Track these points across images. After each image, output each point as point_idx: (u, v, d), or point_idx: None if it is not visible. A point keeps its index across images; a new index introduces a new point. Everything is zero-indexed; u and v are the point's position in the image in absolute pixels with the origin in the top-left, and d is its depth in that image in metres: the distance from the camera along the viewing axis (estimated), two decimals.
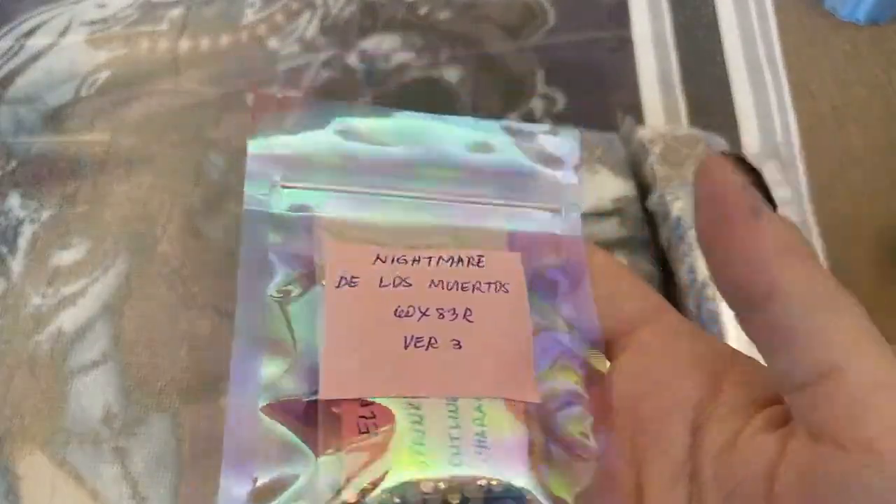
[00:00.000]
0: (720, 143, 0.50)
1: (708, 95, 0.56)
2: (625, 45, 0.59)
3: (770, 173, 0.40)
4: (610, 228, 0.45)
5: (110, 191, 0.58)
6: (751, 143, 0.53)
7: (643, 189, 0.48)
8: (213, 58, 0.65)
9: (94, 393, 0.50)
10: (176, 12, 0.68)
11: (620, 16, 0.61)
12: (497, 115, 0.56)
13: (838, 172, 0.52)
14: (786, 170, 0.52)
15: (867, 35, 0.59)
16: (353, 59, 0.62)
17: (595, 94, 0.57)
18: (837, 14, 0.60)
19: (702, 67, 0.57)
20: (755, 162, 0.45)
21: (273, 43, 0.65)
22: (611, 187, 0.47)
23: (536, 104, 0.57)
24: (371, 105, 0.58)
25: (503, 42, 0.62)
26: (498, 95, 0.58)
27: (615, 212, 0.46)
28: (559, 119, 0.57)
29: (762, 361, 0.21)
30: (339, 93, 0.60)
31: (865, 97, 0.56)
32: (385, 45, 0.62)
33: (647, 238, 0.45)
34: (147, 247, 0.54)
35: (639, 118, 0.55)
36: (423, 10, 0.65)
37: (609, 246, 0.45)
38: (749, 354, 0.23)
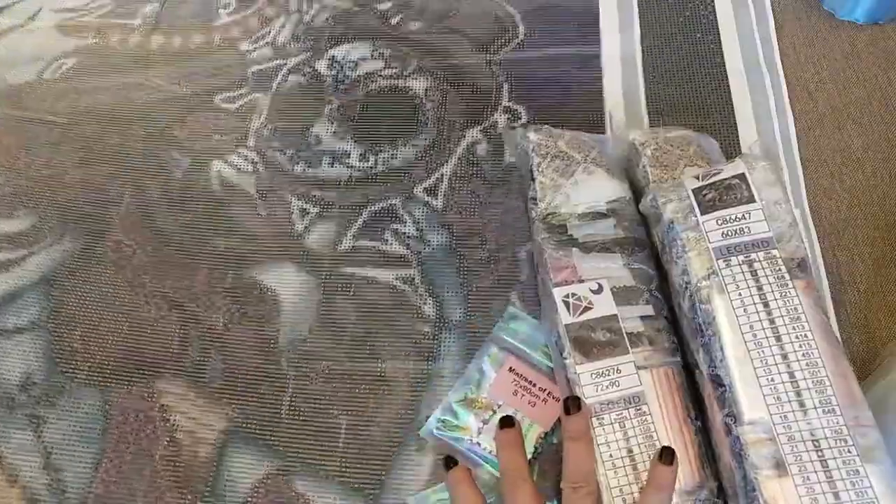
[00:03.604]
0: (712, 143, 0.49)
1: (706, 96, 0.56)
2: (592, 61, 0.59)
3: (767, 173, 0.39)
4: (605, 229, 0.44)
5: (64, 172, 0.57)
6: (749, 143, 0.52)
7: (636, 191, 0.48)
8: (184, 56, 0.64)
9: (13, 358, 0.48)
10: (150, 8, 0.67)
11: (590, 33, 0.61)
12: (460, 126, 0.56)
13: (837, 173, 0.52)
14: (784, 170, 0.51)
15: (866, 35, 0.58)
16: (322, 66, 0.62)
17: (559, 109, 0.56)
18: (836, 14, 0.59)
19: (700, 68, 0.57)
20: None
21: (245, 45, 0.64)
22: (606, 188, 0.47)
23: (500, 117, 0.57)
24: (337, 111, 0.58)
25: (472, 55, 0.62)
26: (463, 107, 0.58)
27: (610, 212, 0.45)
28: None
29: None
30: (306, 97, 0.59)
31: (864, 97, 0.55)
32: (355, 54, 0.62)
33: (644, 238, 0.44)
34: (99, 231, 0.53)
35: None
36: (394, 20, 0.65)
37: (606, 247, 0.44)
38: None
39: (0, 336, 0.49)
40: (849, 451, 0.34)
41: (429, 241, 0.51)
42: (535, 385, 0.44)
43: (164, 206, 0.54)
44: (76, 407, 0.46)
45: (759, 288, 0.37)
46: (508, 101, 0.57)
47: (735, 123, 0.54)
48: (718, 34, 0.59)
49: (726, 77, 0.56)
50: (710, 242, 0.39)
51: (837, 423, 0.34)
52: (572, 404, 0.37)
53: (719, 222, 0.39)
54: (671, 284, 0.42)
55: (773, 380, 0.36)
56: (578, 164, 0.48)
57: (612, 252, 0.44)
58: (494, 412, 0.43)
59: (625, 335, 0.40)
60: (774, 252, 0.38)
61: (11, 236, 0.53)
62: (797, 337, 0.36)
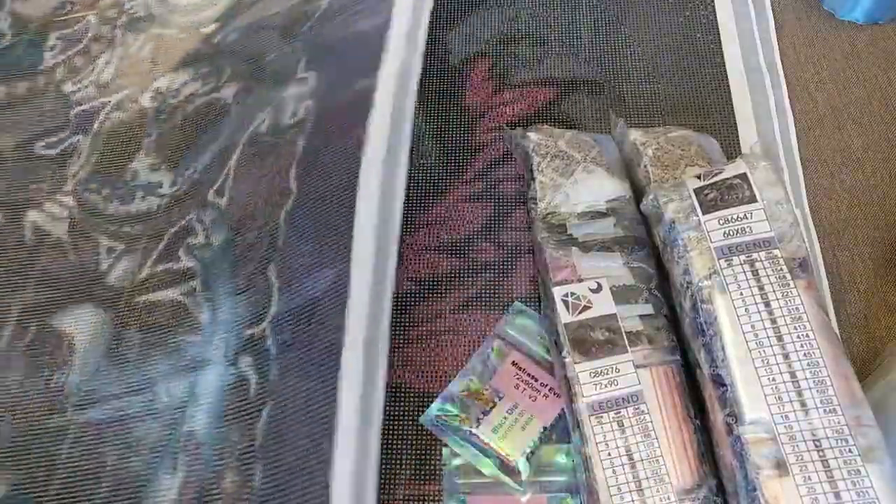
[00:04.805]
0: (713, 143, 0.49)
1: (706, 96, 0.56)
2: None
3: (768, 173, 0.39)
4: (605, 228, 0.44)
5: None
6: (749, 143, 0.52)
7: (637, 190, 0.47)
8: (9, 106, 0.61)
9: None
10: None
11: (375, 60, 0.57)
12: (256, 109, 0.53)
13: (837, 172, 0.52)
14: (784, 170, 0.51)
15: (866, 35, 0.58)
16: (146, 99, 0.59)
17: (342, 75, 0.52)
18: (836, 14, 0.59)
19: (700, 68, 0.57)
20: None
21: (68, 87, 0.61)
22: (606, 188, 0.47)
23: (292, 90, 0.53)
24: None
25: (278, 44, 0.59)
26: (263, 94, 0.55)
27: (610, 211, 0.45)
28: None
29: None
30: (127, 134, 0.57)
31: (864, 97, 0.55)
32: (178, 81, 0.59)
33: (643, 237, 0.44)
34: None
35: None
36: (216, 39, 0.62)
37: (606, 246, 0.44)
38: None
39: None
40: (850, 451, 0.34)
41: (212, 244, 0.49)
42: (536, 380, 0.44)
43: None
44: None
45: (761, 288, 0.37)
46: (304, 71, 0.55)
47: (735, 123, 0.54)
48: (718, 34, 0.59)
49: (726, 77, 0.56)
50: (711, 242, 0.39)
51: (839, 422, 0.34)
52: None
53: (721, 222, 0.39)
54: (672, 284, 0.42)
55: (774, 379, 0.35)
56: (578, 164, 0.48)
57: (612, 251, 0.44)
58: (494, 405, 0.43)
59: (623, 334, 0.40)
60: (776, 252, 0.38)
61: None
62: (798, 337, 0.36)
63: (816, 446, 0.34)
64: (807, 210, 0.50)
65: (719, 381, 0.37)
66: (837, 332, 0.44)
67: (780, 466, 0.34)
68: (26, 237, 0.53)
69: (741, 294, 0.38)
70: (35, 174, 0.57)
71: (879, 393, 0.39)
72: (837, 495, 0.33)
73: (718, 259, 0.39)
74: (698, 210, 0.40)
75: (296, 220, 0.46)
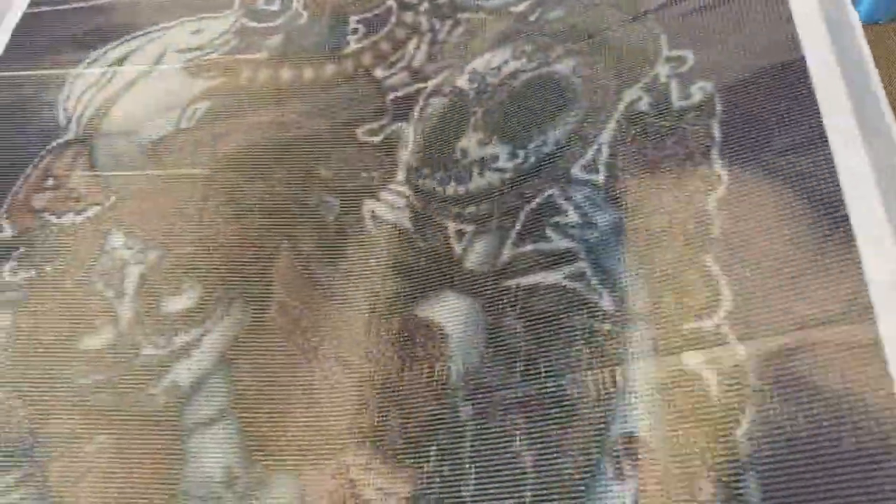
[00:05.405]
0: None
1: None
2: None
3: None
4: None
5: (217, 230, 0.52)
6: None
7: None
8: (317, 89, 0.60)
9: (213, 452, 0.45)
10: (274, 40, 0.64)
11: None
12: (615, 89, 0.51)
13: None
14: None
15: (866, 35, 0.61)
16: (463, 81, 0.60)
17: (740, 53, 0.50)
18: None
19: None
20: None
21: (379, 72, 0.61)
22: None
23: (663, 69, 0.51)
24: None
25: (619, 21, 0.56)
26: (615, 71, 0.52)
27: None
28: None
29: None
30: (450, 117, 0.56)
31: None
32: (495, 61, 0.59)
33: None
34: (262, 294, 0.50)
35: None
36: (533, 17, 0.61)
37: None
38: None
39: (196, 431, 0.46)
40: None
41: (595, 223, 0.46)
42: None
43: (320, 255, 0.51)
44: (275, 499, 0.43)
45: None
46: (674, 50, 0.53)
47: None
48: None
49: None
50: None
51: None
52: None
53: None
54: None
55: None
56: None
57: None
58: None
59: None
60: None
61: (184, 315, 0.50)
62: None
63: None
64: None
65: None
66: None
67: None
68: (368, 227, 0.51)
69: None
70: (363, 161, 0.55)
71: None
72: None
73: None
74: None
75: (736, 208, 0.42)
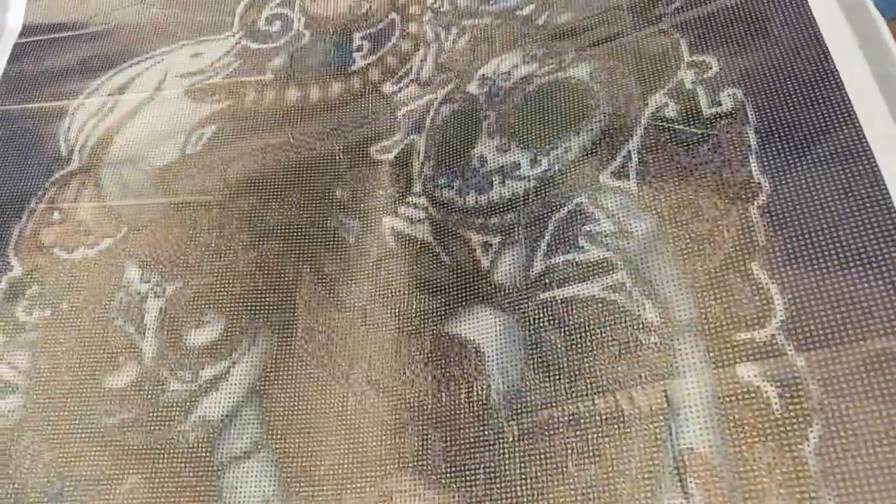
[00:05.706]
0: None
1: None
2: None
3: None
4: None
5: (235, 258, 0.51)
6: None
7: None
8: (324, 108, 0.59)
9: (250, 486, 0.44)
10: (278, 61, 0.63)
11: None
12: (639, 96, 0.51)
13: None
14: None
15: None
16: (473, 87, 0.58)
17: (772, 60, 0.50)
18: None
19: None
20: None
21: (388, 87, 0.59)
22: None
23: (687, 74, 0.50)
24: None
25: (634, 25, 0.56)
26: (633, 73, 0.52)
27: None
28: None
29: None
30: (462, 123, 0.55)
31: None
32: (505, 66, 0.58)
33: None
34: (287, 321, 0.49)
35: None
36: (540, 20, 0.60)
37: None
38: None
39: (230, 465, 0.45)
40: None
41: (631, 232, 0.44)
42: None
43: (343, 277, 0.50)
44: None
45: None
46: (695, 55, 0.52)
47: None
48: None
49: None
50: None
51: None
52: None
53: None
54: None
55: None
56: None
57: None
58: None
59: None
60: None
61: (209, 348, 0.49)
62: None
63: None
64: None
65: None
66: None
67: None
68: (389, 244, 0.50)
69: None
70: (377, 179, 0.54)
71: None
72: None
73: None
74: None
75: (780, 216, 0.41)
